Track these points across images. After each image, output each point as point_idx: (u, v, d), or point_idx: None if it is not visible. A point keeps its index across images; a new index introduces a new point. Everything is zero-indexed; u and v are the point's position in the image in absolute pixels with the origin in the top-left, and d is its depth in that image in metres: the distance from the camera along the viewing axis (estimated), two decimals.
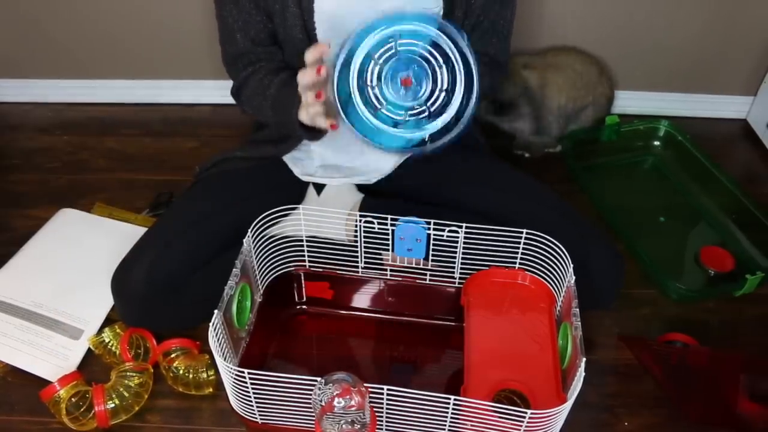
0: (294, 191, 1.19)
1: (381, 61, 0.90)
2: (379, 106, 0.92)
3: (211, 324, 0.85)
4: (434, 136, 0.94)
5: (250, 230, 0.99)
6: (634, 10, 1.51)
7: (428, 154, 0.96)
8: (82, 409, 1.01)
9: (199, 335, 1.11)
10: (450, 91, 0.92)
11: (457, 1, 1.03)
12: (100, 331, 1.12)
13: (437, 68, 0.91)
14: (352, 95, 0.91)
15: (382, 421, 0.87)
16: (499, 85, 1.42)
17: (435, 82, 0.91)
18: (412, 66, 0.90)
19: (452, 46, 0.90)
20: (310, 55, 0.91)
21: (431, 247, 1.04)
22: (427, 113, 0.93)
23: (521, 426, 0.80)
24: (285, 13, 1.02)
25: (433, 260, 1.07)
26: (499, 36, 1.11)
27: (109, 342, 1.09)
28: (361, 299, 1.15)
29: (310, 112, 0.94)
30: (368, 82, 0.90)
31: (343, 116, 0.91)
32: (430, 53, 0.90)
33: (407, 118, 0.93)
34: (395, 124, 0.93)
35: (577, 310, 0.89)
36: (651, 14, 1.52)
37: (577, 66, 1.49)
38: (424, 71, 0.91)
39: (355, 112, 0.92)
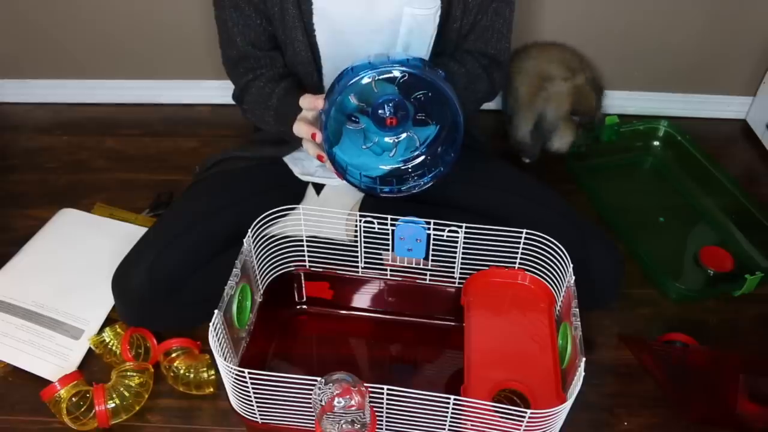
0: (294, 191, 1.19)
1: (366, 101, 0.90)
2: (367, 144, 0.94)
3: (211, 324, 0.85)
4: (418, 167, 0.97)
5: (250, 230, 0.99)
6: (634, 10, 1.51)
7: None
8: (82, 409, 1.01)
9: (200, 335, 1.11)
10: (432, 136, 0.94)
11: (455, 0, 1.03)
12: (101, 330, 1.12)
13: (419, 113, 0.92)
14: (341, 131, 0.92)
15: (382, 421, 0.87)
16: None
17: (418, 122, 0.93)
18: (396, 106, 0.91)
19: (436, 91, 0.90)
20: (304, 102, 0.95)
21: (431, 247, 1.04)
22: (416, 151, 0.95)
23: (521, 426, 0.80)
24: (284, 15, 1.02)
25: (433, 260, 1.07)
26: (498, 35, 1.11)
27: (109, 342, 1.09)
28: (361, 299, 1.15)
29: (302, 135, 0.97)
30: (355, 121, 0.92)
31: (331, 154, 0.91)
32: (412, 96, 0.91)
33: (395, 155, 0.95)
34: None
35: (577, 310, 0.89)
36: (651, 14, 1.52)
37: (567, 56, 1.49)
38: (407, 113, 0.91)
39: (343, 150, 0.93)
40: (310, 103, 0.94)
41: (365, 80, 0.87)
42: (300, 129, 0.96)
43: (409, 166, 0.96)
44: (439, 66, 1.07)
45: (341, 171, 0.93)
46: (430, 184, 0.96)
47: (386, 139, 0.94)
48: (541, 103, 1.43)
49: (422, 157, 0.96)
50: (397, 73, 0.87)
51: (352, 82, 0.86)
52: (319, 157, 0.95)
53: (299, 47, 1.04)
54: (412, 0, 1.01)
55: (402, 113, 0.91)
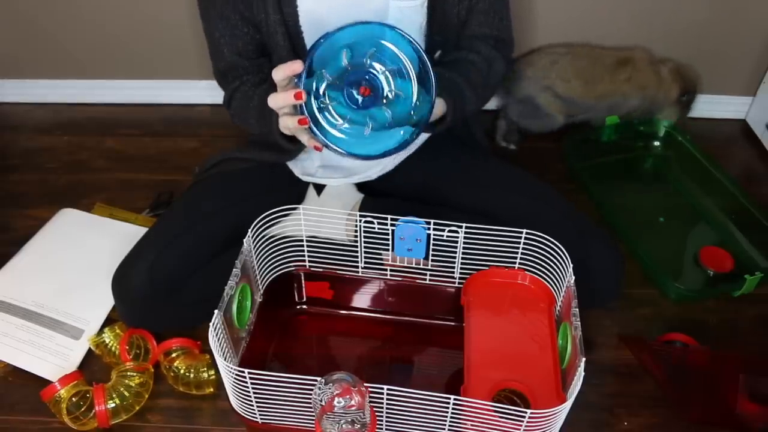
0: (294, 191, 1.19)
1: (334, 77, 0.87)
2: (339, 121, 0.89)
3: (211, 324, 0.85)
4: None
5: (250, 230, 0.99)
6: (633, 10, 1.51)
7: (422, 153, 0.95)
8: (82, 409, 1.01)
9: (200, 335, 1.11)
10: (404, 92, 0.90)
11: None
12: (101, 331, 1.12)
13: (389, 74, 0.89)
14: (316, 112, 0.89)
15: (382, 421, 0.87)
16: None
17: (389, 86, 0.89)
18: (365, 76, 0.88)
19: (398, 49, 0.88)
20: (277, 74, 0.88)
21: (431, 247, 1.04)
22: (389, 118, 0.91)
23: (521, 426, 0.80)
24: (268, 20, 1.02)
25: (433, 260, 1.07)
26: (499, 15, 1.11)
27: (109, 342, 1.09)
28: (361, 299, 1.15)
29: (290, 129, 0.92)
30: (326, 99, 0.88)
31: (316, 131, 0.88)
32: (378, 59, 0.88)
33: (370, 125, 0.90)
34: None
35: (577, 310, 0.89)
36: (650, 14, 1.52)
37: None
38: (377, 79, 0.88)
39: (324, 128, 0.89)
40: (286, 70, 0.87)
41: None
42: (285, 123, 0.92)
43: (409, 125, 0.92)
44: (457, 62, 1.08)
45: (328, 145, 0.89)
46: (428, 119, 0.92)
47: (357, 118, 0.89)
48: (637, 89, 1.48)
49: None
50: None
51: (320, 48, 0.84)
52: (316, 148, 0.91)
53: (282, 52, 1.04)
54: None
55: (373, 84, 0.88)
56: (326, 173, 1.18)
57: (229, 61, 1.07)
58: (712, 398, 1.07)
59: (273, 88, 1.00)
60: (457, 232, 1.01)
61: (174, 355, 1.07)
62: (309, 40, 1.03)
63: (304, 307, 1.17)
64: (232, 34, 1.05)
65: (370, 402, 0.83)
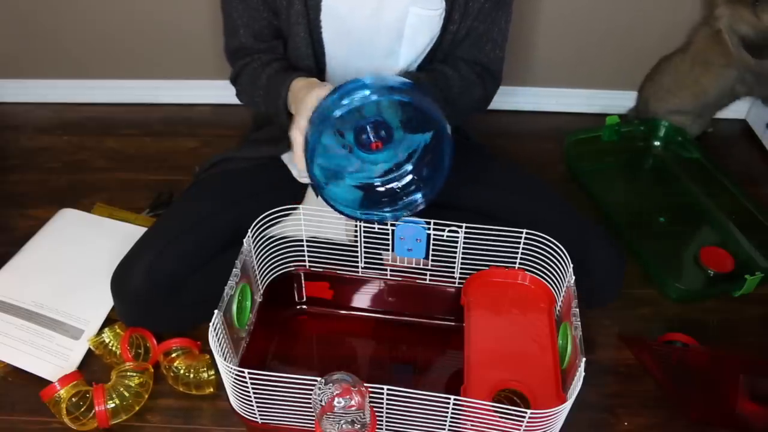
0: (294, 191, 1.19)
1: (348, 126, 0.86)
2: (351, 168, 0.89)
3: (211, 324, 0.85)
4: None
5: (250, 230, 0.99)
6: (634, 10, 1.51)
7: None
8: (82, 409, 1.01)
9: (200, 335, 1.11)
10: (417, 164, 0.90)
11: (456, 4, 1.03)
12: (100, 331, 1.12)
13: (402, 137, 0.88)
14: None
15: (382, 421, 0.87)
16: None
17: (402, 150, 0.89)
18: (378, 127, 0.86)
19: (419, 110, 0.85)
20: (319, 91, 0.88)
21: (431, 247, 1.04)
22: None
23: (521, 426, 0.80)
24: (290, 10, 1.02)
25: (433, 260, 1.07)
26: (493, 44, 1.10)
27: (109, 342, 1.09)
28: (361, 299, 1.15)
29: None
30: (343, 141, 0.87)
31: (310, 164, 0.86)
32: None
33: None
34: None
35: (577, 310, 0.89)
36: (651, 14, 1.52)
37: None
38: (391, 133, 0.87)
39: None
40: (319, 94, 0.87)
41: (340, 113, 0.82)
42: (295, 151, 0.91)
43: (399, 185, 0.92)
44: (433, 71, 1.07)
45: (318, 186, 0.88)
46: (423, 206, 0.92)
47: (372, 165, 0.89)
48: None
49: (409, 176, 0.91)
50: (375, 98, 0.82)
51: (337, 115, 0.81)
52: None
53: (300, 43, 1.04)
54: (418, 0, 1.01)
55: (385, 134, 0.86)
56: None
57: (244, 42, 1.08)
58: (712, 398, 1.07)
59: (284, 66, 1.03)
60: (457, 232, 1.01)
61: (174, 355, 1.07)
62: (327, 37, 1.04)
63: (304, 307, 1.17)
64: (250, 17, 1.05)
65: (370, 402, 0.82)
